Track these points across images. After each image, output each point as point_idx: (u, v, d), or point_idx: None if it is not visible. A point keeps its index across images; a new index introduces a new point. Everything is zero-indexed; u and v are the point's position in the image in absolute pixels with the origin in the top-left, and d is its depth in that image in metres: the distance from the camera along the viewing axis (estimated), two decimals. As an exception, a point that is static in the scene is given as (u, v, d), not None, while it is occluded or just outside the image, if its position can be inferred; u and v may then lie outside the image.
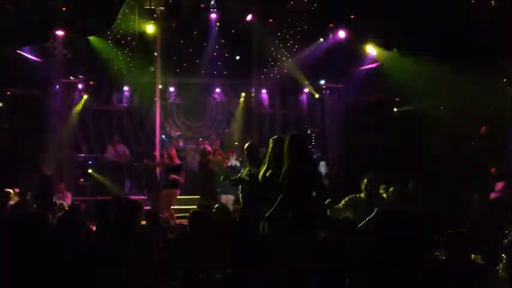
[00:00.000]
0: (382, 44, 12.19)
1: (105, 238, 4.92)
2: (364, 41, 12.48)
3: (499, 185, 10.04)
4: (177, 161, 10.69)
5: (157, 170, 11.86)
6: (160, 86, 13.57)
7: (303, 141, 5.49)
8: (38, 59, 12.23)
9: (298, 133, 5.93)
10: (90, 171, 13.17)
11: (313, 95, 15.46)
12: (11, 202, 7.71)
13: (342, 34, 12.48)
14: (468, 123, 11.15)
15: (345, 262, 4.54)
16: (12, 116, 12.18)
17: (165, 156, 10.75)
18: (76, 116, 13.95)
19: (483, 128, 11.34)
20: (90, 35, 12.52)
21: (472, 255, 4.59)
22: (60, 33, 11.80)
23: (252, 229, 5.34)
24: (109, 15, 11.66)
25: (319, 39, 13.33)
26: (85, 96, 14.26)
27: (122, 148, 13.57)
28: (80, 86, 14.27)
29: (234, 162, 10.94)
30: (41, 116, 12.83)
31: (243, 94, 15.95)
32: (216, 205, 6.16)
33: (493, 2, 9.89)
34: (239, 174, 6.70)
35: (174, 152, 10.87)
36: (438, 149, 11.57)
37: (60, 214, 6.43)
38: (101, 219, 5.34)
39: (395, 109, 13.44)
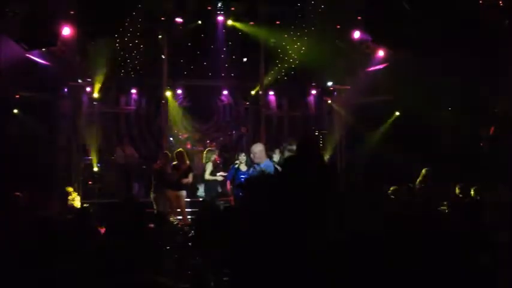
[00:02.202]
0: (391, 45, 12.14)
1: (114, 240, 4.93)
2: (372, 42, 12.43)
3: None
4: (187, 162, 10.71)
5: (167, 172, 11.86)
6: (169, 93, 13.67)
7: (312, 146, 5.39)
8: (47, 63, 12.28)
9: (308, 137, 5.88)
10: (95, 169, 13.27)
11: (322, 97, 15.46)
12: None
13: (356, 35, 12.38)
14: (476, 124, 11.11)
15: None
16: (22, 119, 12.24)
17: (174, 156, 10.77)
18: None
19: (492, 128, 11.29)
20: (98, 38, 12.58)
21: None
22: (68, 35, 11.84)
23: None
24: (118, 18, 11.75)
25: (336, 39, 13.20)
26: None
27: (131, 150, 13.60)
28: (88, 88, 14.32)
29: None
30: (51, 119, 12.89)
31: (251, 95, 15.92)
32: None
33: (501, 2, 9.85)
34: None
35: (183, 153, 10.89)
36: (446, 150, 11.53)
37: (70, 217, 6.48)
38: (110, 221, 5.36)
39: (397, 113, 13.42)
